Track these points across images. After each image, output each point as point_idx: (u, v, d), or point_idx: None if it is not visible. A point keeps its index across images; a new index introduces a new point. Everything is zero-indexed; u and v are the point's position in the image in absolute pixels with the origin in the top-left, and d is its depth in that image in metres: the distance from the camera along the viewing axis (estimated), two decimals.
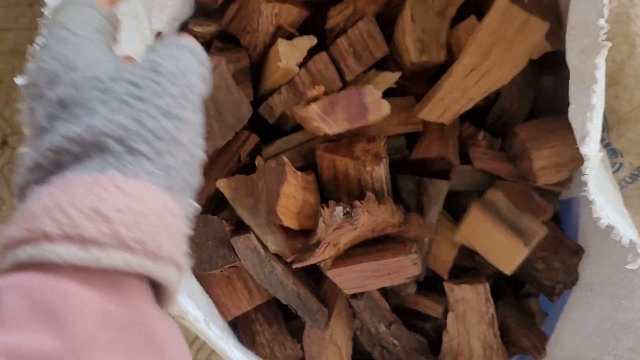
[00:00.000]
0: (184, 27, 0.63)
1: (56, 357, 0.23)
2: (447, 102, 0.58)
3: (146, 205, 0.28)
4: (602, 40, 0.45)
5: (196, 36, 0.62)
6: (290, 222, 0.55)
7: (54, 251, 0.25)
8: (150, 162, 0.29)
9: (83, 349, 0.23)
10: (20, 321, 0.23)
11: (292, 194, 0.54)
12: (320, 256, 0.54)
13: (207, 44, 0.63)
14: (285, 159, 0.54)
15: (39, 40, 0.35)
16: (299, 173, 0.55)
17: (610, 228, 0.45)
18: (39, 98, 0.31)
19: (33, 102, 0.32)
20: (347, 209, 0.53)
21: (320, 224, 0.55)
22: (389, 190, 0.57)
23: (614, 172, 0.63)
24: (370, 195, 0.54)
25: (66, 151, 0.29)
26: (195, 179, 0.33)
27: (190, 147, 0.32)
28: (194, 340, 0.78)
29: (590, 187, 0.45)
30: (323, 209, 0.54)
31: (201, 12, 0.65)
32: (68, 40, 0.33)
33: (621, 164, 0.62)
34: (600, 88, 0.46)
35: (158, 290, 0.29)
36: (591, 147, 0.45)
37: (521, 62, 0.56)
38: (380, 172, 0.55)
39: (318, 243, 0.54)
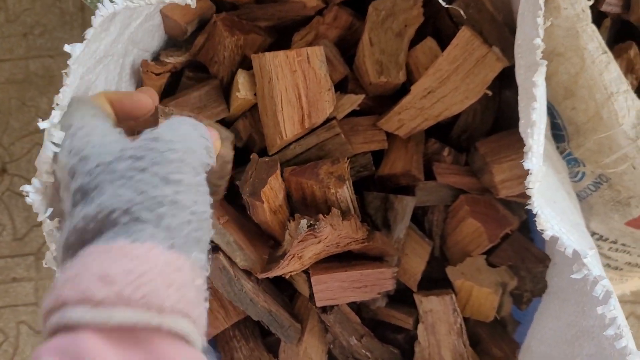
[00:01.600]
0: (155, 59, 0.66)
1: None
2: (403, 117, 0.60)
3: (150, 265, 0.31)
4: (539, 58, 0.47)
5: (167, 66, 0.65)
6: (266, 215, 0.57)
7: (72, 314, 0.29)
8: (153, 226, 0.33)
9: None
10: None
11: (275, 189, 0.57)
12: (284, 268, 0.57)
13: (179, 74, 0.66)
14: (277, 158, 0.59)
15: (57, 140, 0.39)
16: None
17: (555, 239, 0.47)
18: (66, 191, 0.36)
19: (63, 194, 0.37)
20: (311, 222, 0.55)
21: (287, 236, 0.57)
22: (355, 208, 0.59)
23: (577, 181, 0.64)
24: (334, 210, 0.57)
25: (85, 230, 0.33)
26: (205, 233, 0.36)
27: (192, 206, 0.35)
28: None
29: (535, 200, 0.47)
30: (290, 222, 0.57)
31: (172, 43, 0.67)
32: (76, 134, 0.38)
33: (584, 173, 0.63)
34: (539, 105, 0.47)
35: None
36: (533, 162, 0.47)
37: (474, 94, 0.59)
38: (344, 193, 0.57)
39: (283, 255, 0.56)
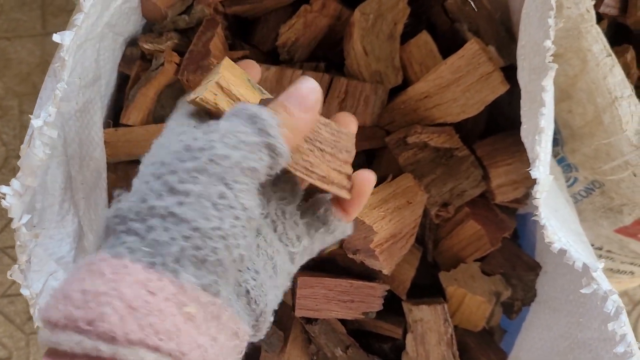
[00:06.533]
0: (131, 44, 0.61)
1: None
2: (394, 115, 0.58)
3: (116, 284, 0.28)
4: (549, 62, 0.44)
5: (145, 52, 0.61)
6: None
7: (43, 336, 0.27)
8: (139, 239, 0.29)
9: None
10: None
11: None
12: None
13: None
14: None
15: None
16: None
17: (563, 252, 0.45)
18: None
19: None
20: None
21: None
22: None
23: (568, 186, 0.63)
24: None
25: (103, 233, 0.31)
26: (219, 254, 0.30)
27: (195, 220, 0.30)
28: None
29: (541, 210, 0.45)
30: None
31: (149, 28, 0.63)
32: None
33: (576, 179, 0.61)
34: (548, 110, 0.45)
35: None
36: (541, 170, 0.44)
37: (472, 110, 0.56)
38: None
39: None
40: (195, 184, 0.30)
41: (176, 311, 0.28)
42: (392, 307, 0.61)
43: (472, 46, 0.54)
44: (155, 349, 0.27)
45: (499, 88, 0.55)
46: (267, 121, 0.33)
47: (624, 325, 0.44)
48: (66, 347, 0.26)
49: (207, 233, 0.30)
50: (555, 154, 0.62)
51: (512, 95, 0.64)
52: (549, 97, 0.45)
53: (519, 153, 0.58)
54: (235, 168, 0.31)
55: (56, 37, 0.39)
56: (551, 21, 0.45)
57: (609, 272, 0.77)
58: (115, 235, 0.30)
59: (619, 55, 0.60)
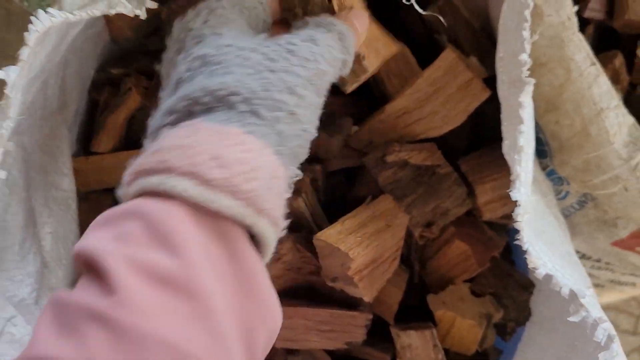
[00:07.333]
0: (101, 69, 0.59)
1: (173, 272, 0.26)
2: (372, 135, 0.55)
3: (259, 163, 0.31)
4: (526, 77, 0.42)
5: (113, 77, 0.59)
6: None
7: (175, 183, 0.28)
8: (267, 127, 0.32)
9: (195, 268, 0.27)
10: (140, 240, 0.27)
11: None
12: None
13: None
14: None
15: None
16: None
17: (548, 277, 0.42)
18: (184, 53, 0.37)
19: (177, 57, 0.37)
20: None
21: None
22: (313, 229, 0.54)
23: (560, 199, 0.60)
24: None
25: (198, 101, 0.33)
26: (304, 153, 0.36)
27: (306, 124, 0.35)
28: None
29: (524, 235, 0.42)
30: None
31: (118, 50, 0.61)
32: (215, 10, 0.38)
33: (567, 192, 0.59)
34: (527, 128, 0.42)
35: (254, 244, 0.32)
36: (522, 192, 0.42)
37: (455, 121, 0.54)
38: (299, 206, 0.52)
39: None
40: (309, 91, 0.35)
41: (284, 196, 0.33)
42: (381, 332, 0.59)
43: (448, 55, 0.51)
44: (276, 226, 0.32)
45: (481, 94, 0.52)
46: (350, 41, 0.40)
47: (616, 355, 0.41)
48: (215, 207, 0.29)
49: (308, 137, 0.36)
50: (544, 167, 0.59)
51: (498, 108, 0.62)
52: (527, 113, 0.42)
53: (506, 167, 0.55)
54: (327, 83, 0.38)
55: (1, 74, 0.37)
56: (526, 34, 0.42)
57: (610, 283, 0.75)
58: (235, 112, 0.32)
59: (608, 61, 0.58)
